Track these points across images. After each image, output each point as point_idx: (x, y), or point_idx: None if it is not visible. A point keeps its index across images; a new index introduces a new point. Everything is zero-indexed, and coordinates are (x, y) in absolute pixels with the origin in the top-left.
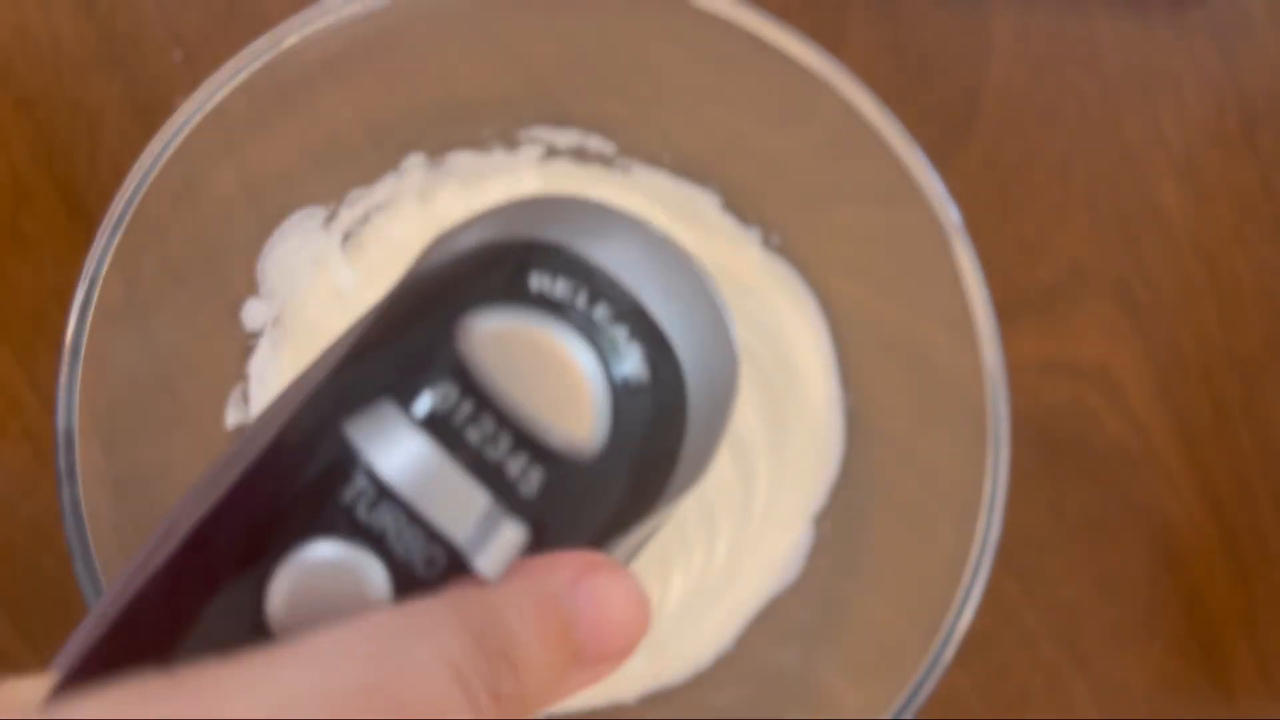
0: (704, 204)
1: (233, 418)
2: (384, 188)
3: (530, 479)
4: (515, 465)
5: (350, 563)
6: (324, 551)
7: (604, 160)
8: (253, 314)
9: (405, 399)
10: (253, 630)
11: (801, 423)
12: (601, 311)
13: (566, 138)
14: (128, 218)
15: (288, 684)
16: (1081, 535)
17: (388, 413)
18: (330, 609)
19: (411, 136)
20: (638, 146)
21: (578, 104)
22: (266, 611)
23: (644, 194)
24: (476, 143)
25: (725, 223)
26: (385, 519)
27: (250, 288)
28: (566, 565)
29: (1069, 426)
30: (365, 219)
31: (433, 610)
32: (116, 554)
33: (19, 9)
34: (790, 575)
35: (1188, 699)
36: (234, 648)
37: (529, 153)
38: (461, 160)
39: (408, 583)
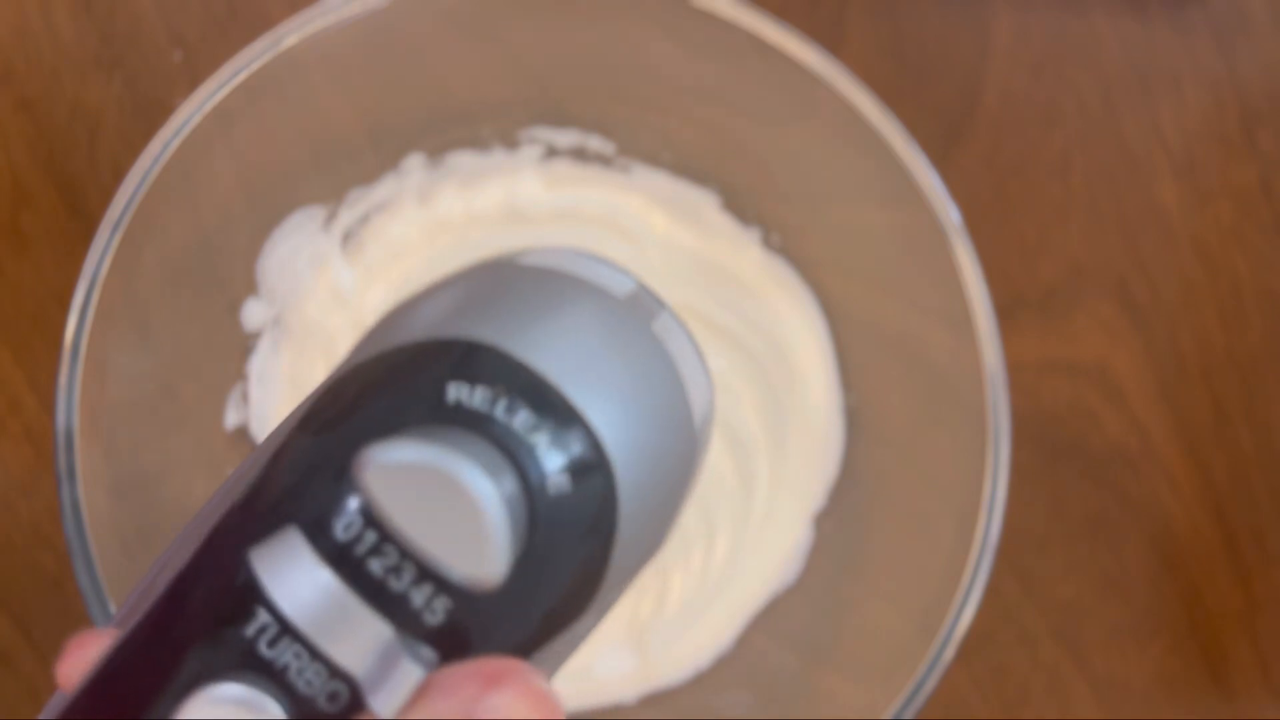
0: (704, 204)
1: (233, 418)
2: (384, 188)
3: (435, 609)
4: (419, 596)
5: (252, 701)
6: (226, 691)
7: (604, 160)
8: (253, 314)
9: (310, 528)
10: None
11: (801, 423)
12: (523, 419)
13: (566, 138)
14: (128, 218)
15: None
16: (1081, 535)
17: (292, 542)
18: None
19: (411, 136)
20: (638, 146)
21: (578, 104)
22: None
23: (644, 194)
24: (476, 143)
25: (725, 223)
26: (287, 655)
27: (250, 288)
28: (466, 683)
29: (1069, 426)
30: (365, 219)
31: None
32: (117, 554)
33: (19, 9)
34: (790, 575)
35: (1188, 699)
36: None
37: (529, 153)
38: (461, 160)
39: None
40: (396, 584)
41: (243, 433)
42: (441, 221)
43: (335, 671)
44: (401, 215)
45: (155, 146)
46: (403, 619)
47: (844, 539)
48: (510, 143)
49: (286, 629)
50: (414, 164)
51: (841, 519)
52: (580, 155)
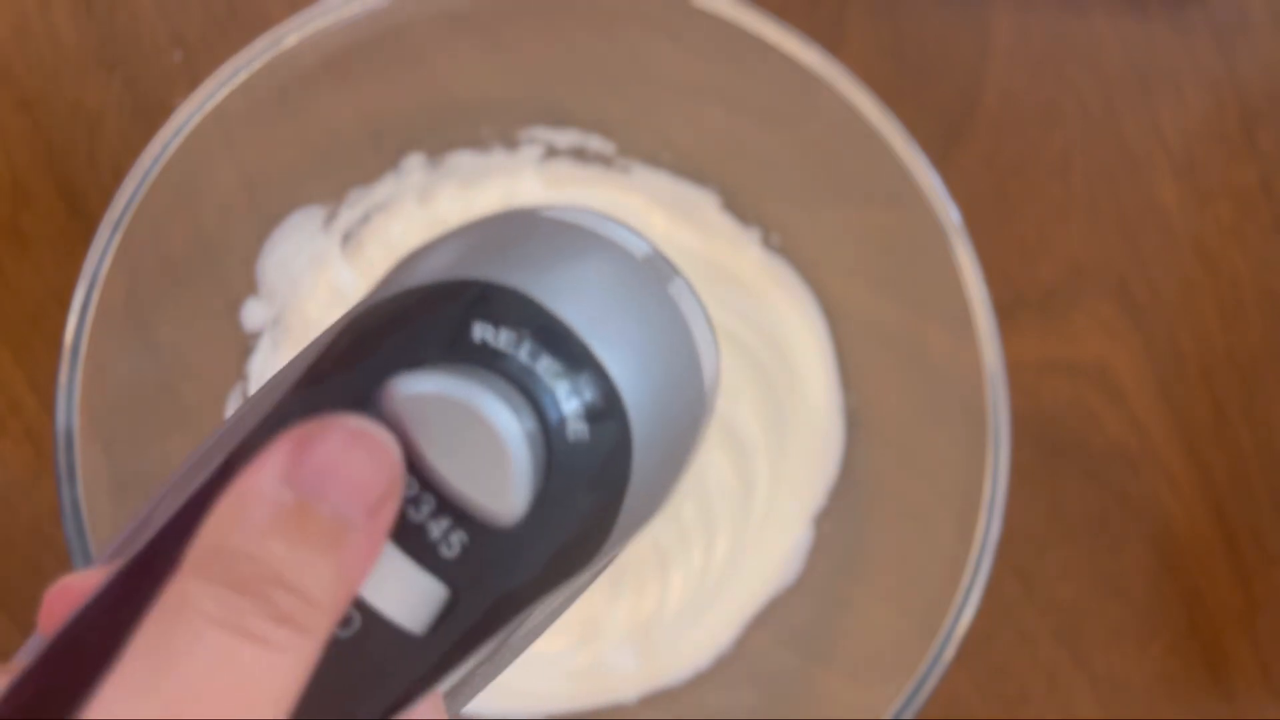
0: (704, 204)
1: None
2: (384, 188)
3: (451, 542)
4: (437, 528)
5: None
6: None
7: (604, 160)
8: (253, 314)
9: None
10: None
11: (801, 423)
12: (545, 363)
13: (566, 138)
14: (128, 218)
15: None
16: (1081, 535)
17: None
18: None
19: (411, 136)
20: (638, 146)
21: (578, 104)
22: None
23: (644, 194)
24: (476, 143)
25: (725, 223)
26: None
27: (250, 288)
28: (276, 457)
29: (1069, 426)
30: (365, 219)
31: (179, 584)
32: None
33: (19, 9)
34: (790, 575)
35: (1188, 699)
36: None
37: (529, 153)
38: (461, 160)
39: (331, 644)
40: (415, 515)
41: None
42: (441, 221)
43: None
44: (401, 215)
45: (155, 146)
46: (419, 551)
47: (844, 539)
48: (510, 143)
49: None
50: (414, 164)
51: (841, 519)
52: (580, 155)
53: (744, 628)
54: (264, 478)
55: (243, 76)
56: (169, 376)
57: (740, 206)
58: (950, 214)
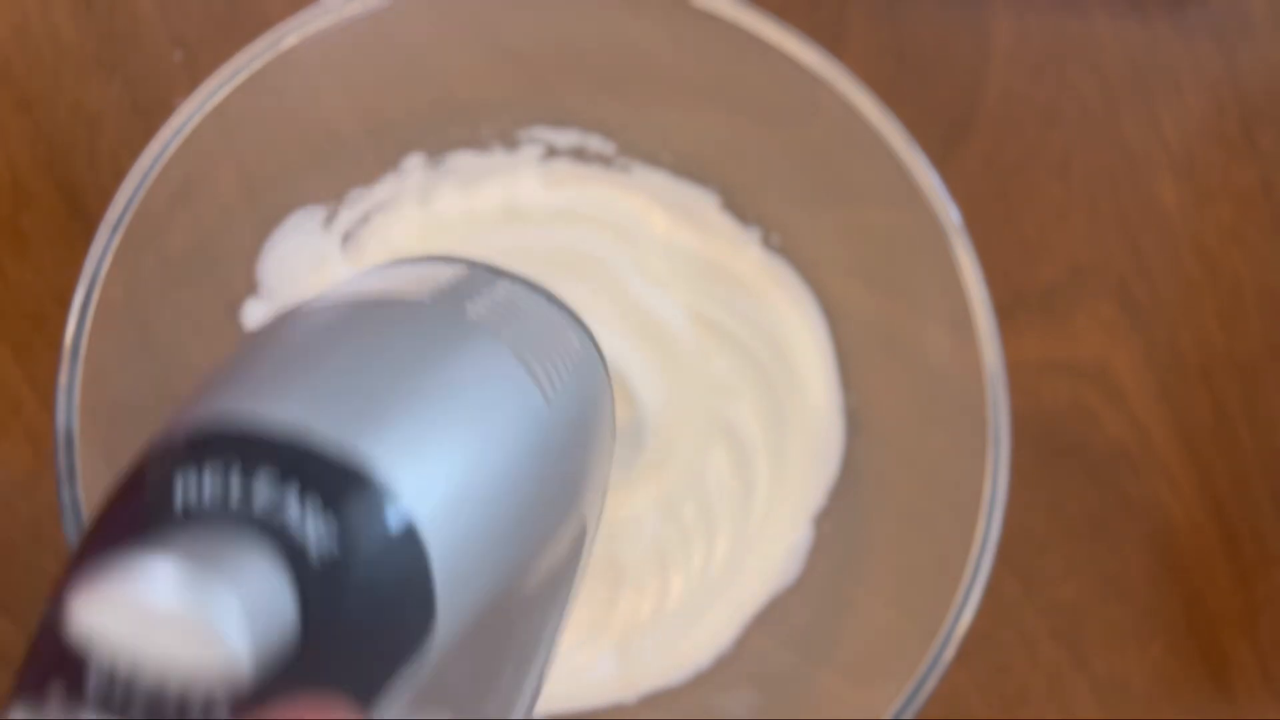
0: (704, 204)
1: None
2: (384, 188)
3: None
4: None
5: None
6: None
7: (604, 160)
8: (253, 314)
9: (29, 696)
10: None
11: (801, 423)
12: (264, 495)
13: (566, 138)
14: (128, 218)
15: None
16: (1081, 535)
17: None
18: None
19: (411, 136)
20: (638, 146)
21: (578, 104)
22: None
23: (644, 194)
24: (476, 143)
25: (725, 223)
26: None
27: (250, 288)
28: None
29: (1069, 426)
30: (365, 219)
31: None
32: None
33: (19, 9)
34: (790, 575)
35: (1188, 699)
36: None
37: (529, 153)
38: (461, 160)
39: None
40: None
41: None
42: (441, 221)
43: None
44: (401, 215)
45: (155, 146)
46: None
47: (844, 539)
48: (510, 143)
49: None
50: (414, 164)
51: (841, 519)
52: (580, 155)
53: (744, 628)
54: None
55: (243, 76)
56: (169, 376)
57: (740, 206)
58: (950, 214)
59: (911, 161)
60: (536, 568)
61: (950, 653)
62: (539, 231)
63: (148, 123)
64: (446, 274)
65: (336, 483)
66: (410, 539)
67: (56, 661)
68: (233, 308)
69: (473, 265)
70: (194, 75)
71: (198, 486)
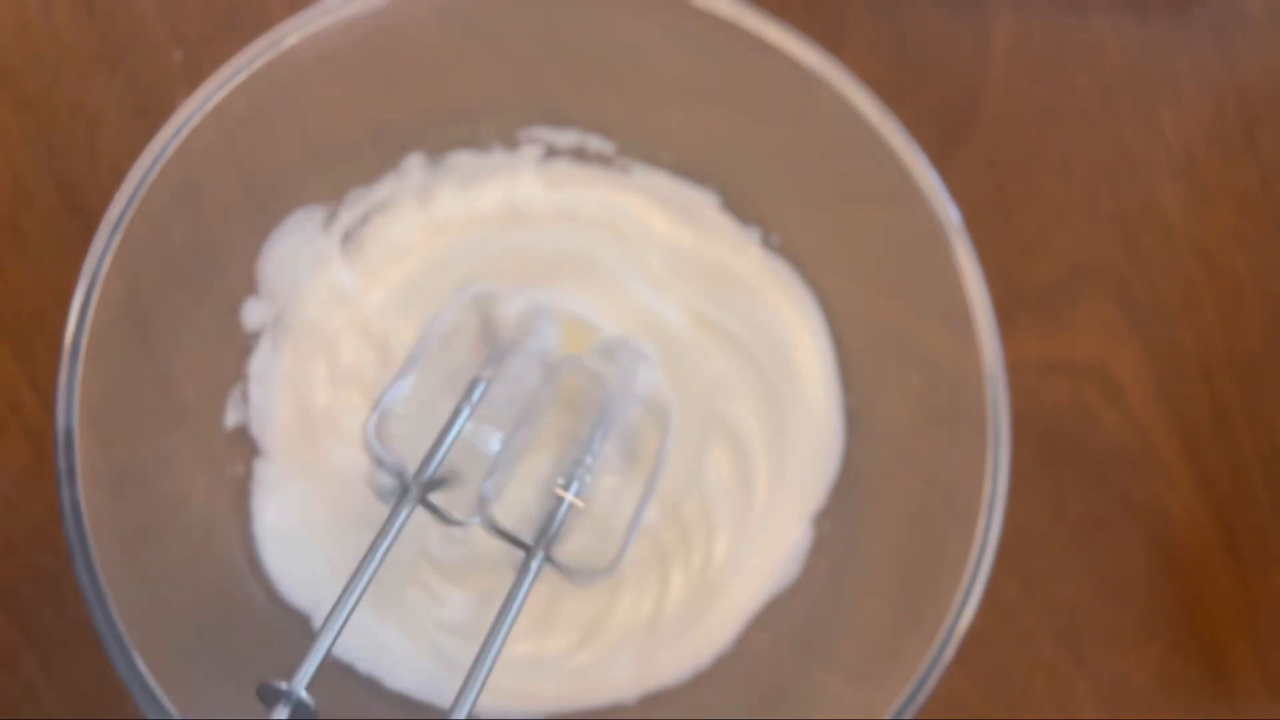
0: (704, 204)
1: (232, 418)
2: (384, 188)
3: None
4: None
5: None
6: None
7: (604, 160)
8: (253, 314)
9: None
10: None
11: (801, 423)
12: None
13: (566, 138)
14: (128, 218)
15: None
16: (1081, 535)
17: None
18: None
19: (411, 136)
20: (637, 146)
21: (578, 104)
22: None
23: (644, 194)
24: (476, 143)
25: (725, 223)
26: None
27: (250, 288)
28: None
29: (1069, 426)
30: (365, 219)
31: None
32: (116, 554)
33: (19, 9)
34: (790, 575)
35: (1188, 699)
36: None
37: (529, 153)
38: (461, 160)
39: None
40: None
41: (243, 432)
42: (441, 222)
43: None
44: (401, 215)
45: (155, 146)
46: None
47: (844, 539)
48: (510, 143)
49: None
50: (414, 164)
51: (841, 519)
52: (580, 155)
53: (744, 628)
54: None
55: (243, 76)
56: (169, 376)
57: (740, 206)
58: (950, 214)
59: (911, 161)
60: None
61: (950, 653)
62: (539, 231)
63: (148, 123)
64: None
65: None
66: None
67: None
68: (233, 308)
69: None
70: (194, 75)
71: None
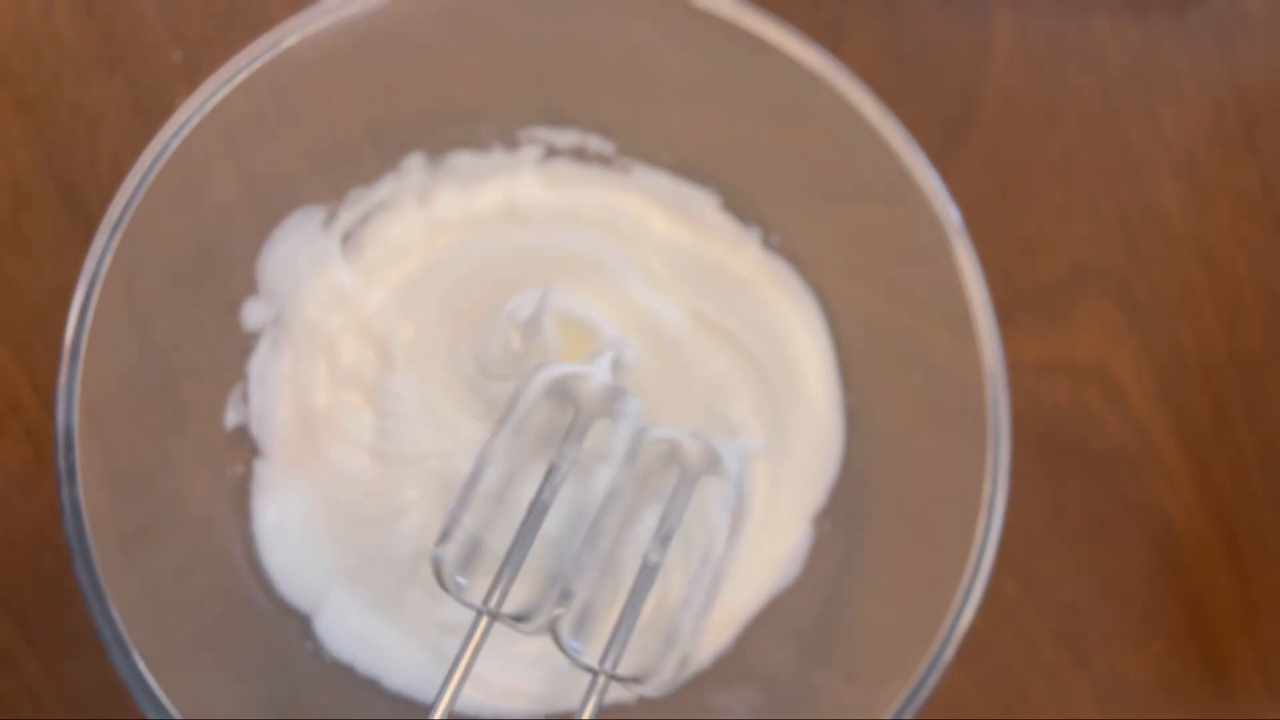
0: (704, 204)
1: (232, 418)
2: (384, 188)
3: None
4: None
5: None
6: None
7: (604, 160)
8: (253, 314)
9: None
10: None
11: (801, 423)
12: None
13: (566, 138)
14: (128, 218)
15: None
16: (1081, 535)
17: None
18: None
19: (411, 136)
20: (637, 146)
21: (578, 104)
22: None
23: (644, 194)
24: (476, 143)
25: (725, 222)
26: None
27: (250, 288)
28: None
29: (1069, 426)
30: (365, 219)
31: None
32: (116, 553)
33: (19, 9)
34: (790, 575)
35: (1188, 699)
36: None
37: (529, 153)
38: (461, 160)
39: None
40: None
41: (243, 432)
42: (441, 222)
43: None
44: (401, 215)
45: (155, 146)
46: None
47: (844, 539)
48: (510, 143)
49: None
50: (414, 164)
51: (841, 519)
52: (580, 155)
53: (744, 628)
54: None
55: (243, 76)
56: (169, 376)
57: (740, 206)
58: (950, 214)
59: (911, 161)
60: None
61: (950, 653)
62: (539, 232)
63: (148, 123)
64: None
65: None
66: None
67: None
68: (233, 308)
69: None
70: (194, 75)
71: None
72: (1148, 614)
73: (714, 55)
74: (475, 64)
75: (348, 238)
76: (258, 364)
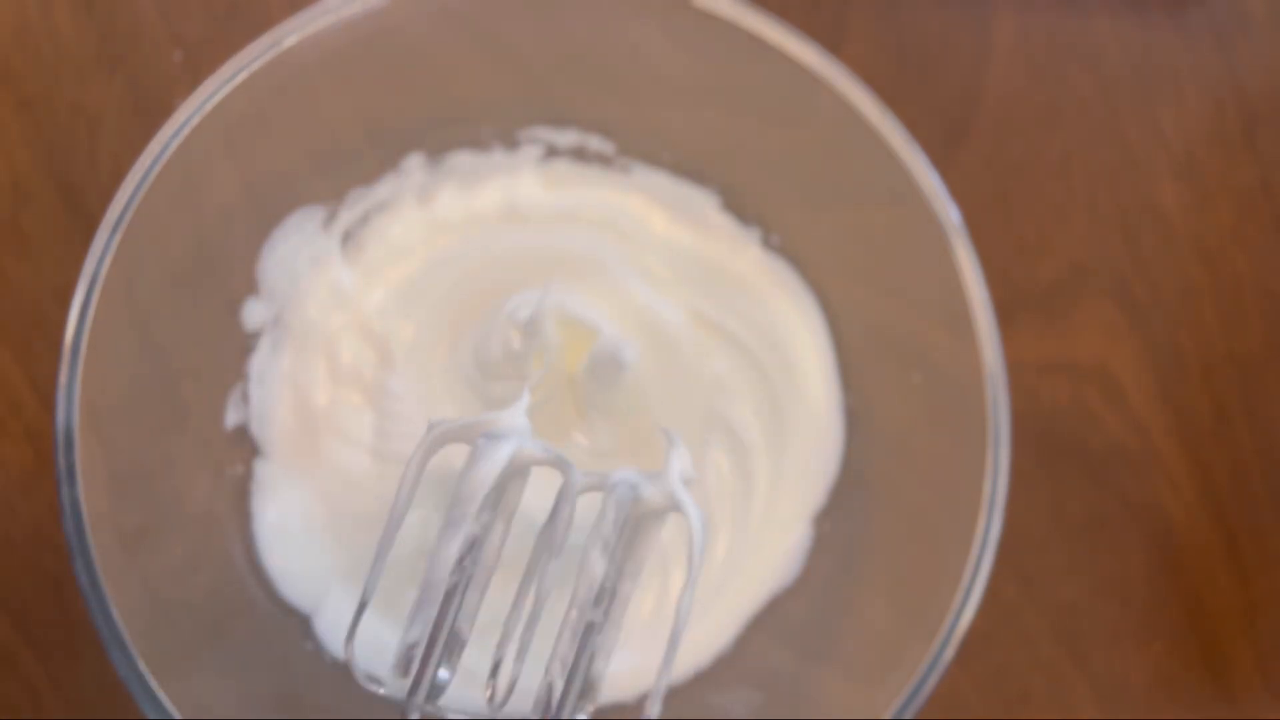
0: (704, 204)
1: (232, 417)
2: (384, 188)
3: None
4: None
5: None
6: None
7: (604, 160)
8: (253, 314)
9: None
10: None
11: (801, 423)
12: None
13: (566, 138)
14: (128, 218)
15: None
16: (1081, 535)
17: None
18: None
19: (411, 136)
20: (638, 146)
21: (578, 104)
22: None
23: (644, 194)
24: (476, 143)
25: (725, 222)
26: None
27: (250, 288)
28: None
29: (1069, 426)
30: (365, 219)
31: None
32: (116, 553)
33: (19, 9)
34: (790, 575)
35: (1188, 699)
36: None
37: (529, 153)
38: (461, 160)
39: None
40: None
41: (243, 432)
42: (441, 222)
43: None
44: (401, 215)
45: (155, 146)
46: None
47: (844, 539)
48: (510, 143)
49: None
50: (414, 164)
51: (841, 519)
52: (580, 155)
53: (744, 628)
54: None
55: (243, 76)
56: (169, 376)
57: (740, 206)
58: (950, 214)
59: (911, 161)
60: None
61: (950, 653)
62: (539, 232)
63: (148, 123)
64: None
65: None
66: None
67: None
68: (233, 308)
69: None
70: (194, 75)
71: None
72: (1148, 614)
73: (714, 55)
74: (475, 64)
75: (348, 238)
76: (258, 364)
